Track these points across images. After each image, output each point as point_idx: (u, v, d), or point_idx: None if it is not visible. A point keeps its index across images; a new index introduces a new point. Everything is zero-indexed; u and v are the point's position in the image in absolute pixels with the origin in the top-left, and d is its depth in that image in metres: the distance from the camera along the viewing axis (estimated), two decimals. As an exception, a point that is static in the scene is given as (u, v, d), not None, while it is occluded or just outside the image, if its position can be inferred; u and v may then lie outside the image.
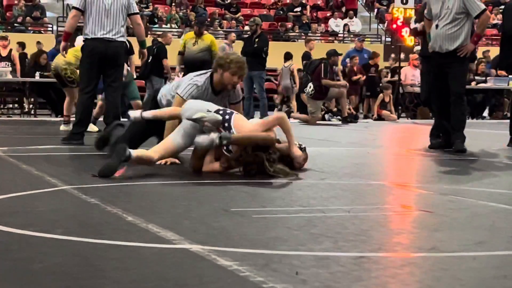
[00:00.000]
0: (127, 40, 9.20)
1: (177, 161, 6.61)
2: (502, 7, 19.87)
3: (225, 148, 6.10)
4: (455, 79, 8.71)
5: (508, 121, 10.01)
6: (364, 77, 18.97)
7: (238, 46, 16.85)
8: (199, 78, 6.73)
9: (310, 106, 15.24)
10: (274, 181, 5.80)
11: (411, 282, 2.85)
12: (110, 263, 3.04)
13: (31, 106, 17.18)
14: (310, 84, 15.02)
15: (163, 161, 6.47)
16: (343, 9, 27.33)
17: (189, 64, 13.52)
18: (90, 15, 8.53)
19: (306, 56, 18.86)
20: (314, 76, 15.06)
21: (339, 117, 16.35)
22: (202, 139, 5.96)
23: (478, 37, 9.04)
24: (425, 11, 9.15)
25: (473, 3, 8.67)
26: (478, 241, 3.60)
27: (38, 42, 18.49)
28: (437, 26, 8.76)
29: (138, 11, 9.13)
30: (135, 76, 12.66)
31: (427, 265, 3.15)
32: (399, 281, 2.85)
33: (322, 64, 15.08)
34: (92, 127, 10.29)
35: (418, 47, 20.47)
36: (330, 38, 26.45)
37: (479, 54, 21.11)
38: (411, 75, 18.95)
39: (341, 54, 16.45)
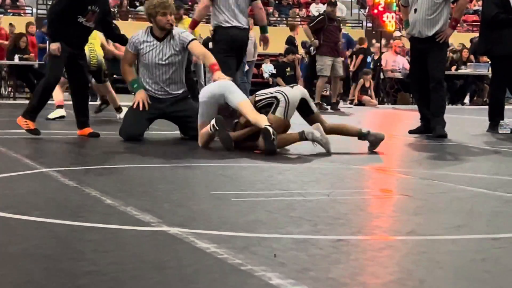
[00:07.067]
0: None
1: None
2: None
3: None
4: (435, 65, 8.73)
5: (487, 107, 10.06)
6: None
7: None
8: (134, 34, 7.59)
9: (317, 63, 14.84)
10: (254, 164, 5.80)
11: (389, 265, 2.85)
12: (88, 245, 3.02)
13: (10, 89, 17.08)
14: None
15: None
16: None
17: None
18: None
19: (289, 41, 18.83)
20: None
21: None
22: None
23: (456, 22, 9.08)
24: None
25: None
26: (457, 224, 3.61)
27: (11, 24, 18.43)
28: (415, 10, 8.78)
29: None
30: None
31: (406, 248, 3.16)
32: (377, 264, 2.85)
33: (320, 16, 14.93)
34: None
35: (399, 33, 20.53)
36: (311, 23, 26.37)
37: (460, 40, 21.16)
38: (392, 61, 18.97)
39: (336, 4, 16.07)
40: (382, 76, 19.12)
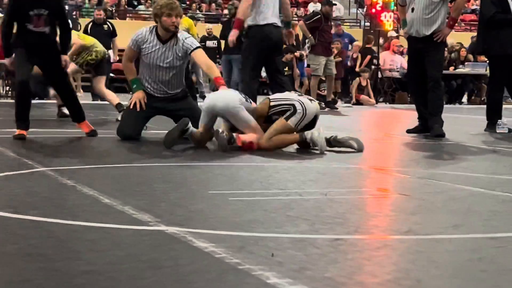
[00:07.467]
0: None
1: None
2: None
3: None
4: (432, 64, 8.73)
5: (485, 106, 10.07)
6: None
7: (217, 29, 16.78)
8: (139, 31, 7.53)
9: (311, 63, 14.75)
10: (251, 164, 5.80)
11: (386, 264, 2.85)
12: (85, 245, 3.02)
13: (7, 88, 17.07)
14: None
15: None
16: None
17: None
18: None
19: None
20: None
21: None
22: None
23: (454, 21, 9.07)
24: None
25: None
26: (454, 224, 3.61)
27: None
28: (412, 9, 8.78)
29: None
30: (117, 59, 12.55)
31: (403, 247, 3.16)
32: (375, 263, 2.85)
33: (317, 15, 14.67)
34: None
35: (394, 33, 20.51)
36: (309, 22, 26.35)
37: (458, 40, 21.16)
38: (389, 60, 18.96)
39: (335, 4, 15.89)
40: (380, 75, 19.12)
